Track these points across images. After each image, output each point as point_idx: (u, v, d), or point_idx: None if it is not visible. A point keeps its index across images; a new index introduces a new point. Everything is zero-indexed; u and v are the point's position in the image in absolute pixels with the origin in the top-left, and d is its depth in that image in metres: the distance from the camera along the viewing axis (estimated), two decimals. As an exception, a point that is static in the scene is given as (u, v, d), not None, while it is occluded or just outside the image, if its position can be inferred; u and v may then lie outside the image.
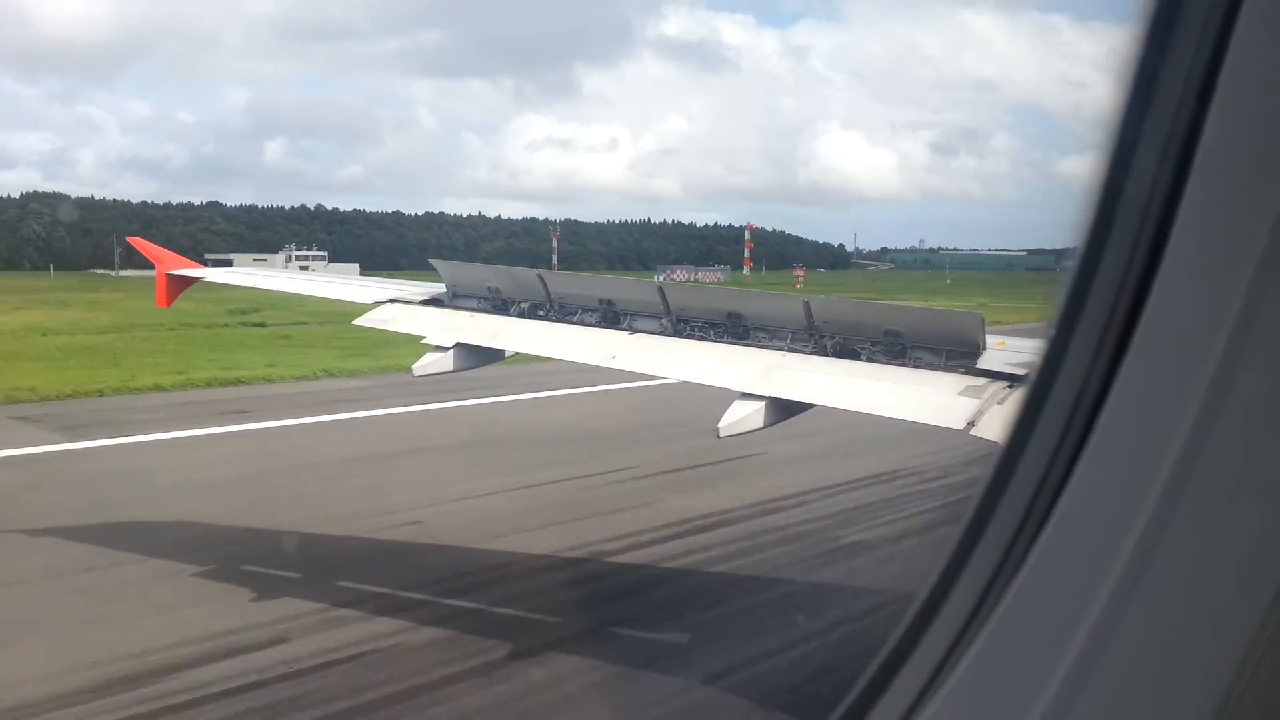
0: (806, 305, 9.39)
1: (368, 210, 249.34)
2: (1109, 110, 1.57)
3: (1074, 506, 1.54)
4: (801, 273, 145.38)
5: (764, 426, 8.74)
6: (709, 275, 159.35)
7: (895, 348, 8.86)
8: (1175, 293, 1.48)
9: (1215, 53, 1.42)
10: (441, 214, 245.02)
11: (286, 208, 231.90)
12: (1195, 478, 1.40)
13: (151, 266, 14.84)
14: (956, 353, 8.53)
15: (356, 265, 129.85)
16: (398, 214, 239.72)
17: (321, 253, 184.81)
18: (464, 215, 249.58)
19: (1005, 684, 1.56)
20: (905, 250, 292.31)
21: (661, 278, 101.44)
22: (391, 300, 12.40)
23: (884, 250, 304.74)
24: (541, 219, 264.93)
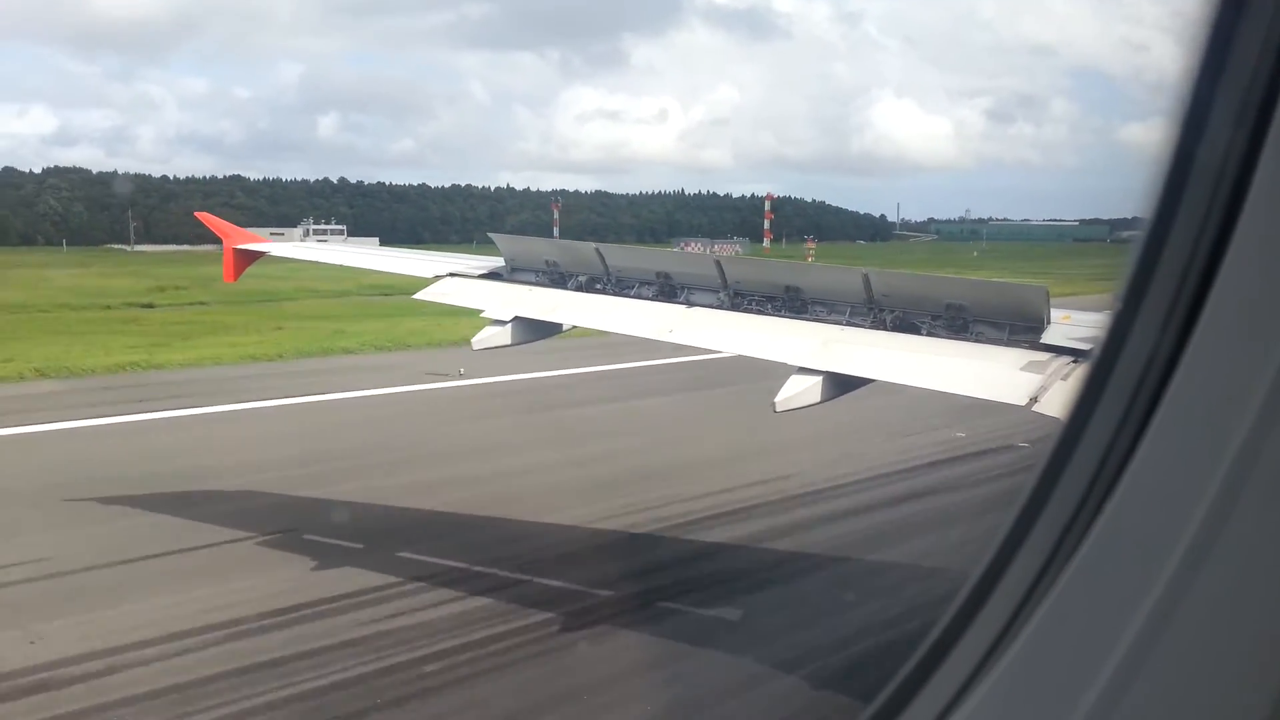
0: (866, 279, 9.26)
1: (413, 183, 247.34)
2: (1181, 74, 1.50)
3: (1136, 487, 1.49)
4: (813, 244, 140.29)
5: (821, 401, 8.67)
6: (726, 248, 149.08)
7: (957, 322, 8.70)
8: (1247, 265, 1.42)
9: None
10: (469, 186, 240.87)
11: (311, 180, 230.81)
12: (1262, 459, 1.34)
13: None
14: (1020, 327, 8.36)
15: (376, 239, 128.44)
16: (423, 186, 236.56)
17: (340, 226, 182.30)
18: (492, 188, 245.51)
19: (1056, 671, 1.52)
20: (953, 221, 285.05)
21: (677, 250, 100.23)
22: (451, 274, 12.51)
23: (930, 221, 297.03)
24: (590, 191, 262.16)
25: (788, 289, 9.82)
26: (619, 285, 11.15)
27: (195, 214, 16.38)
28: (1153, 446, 1.48)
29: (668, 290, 10.74)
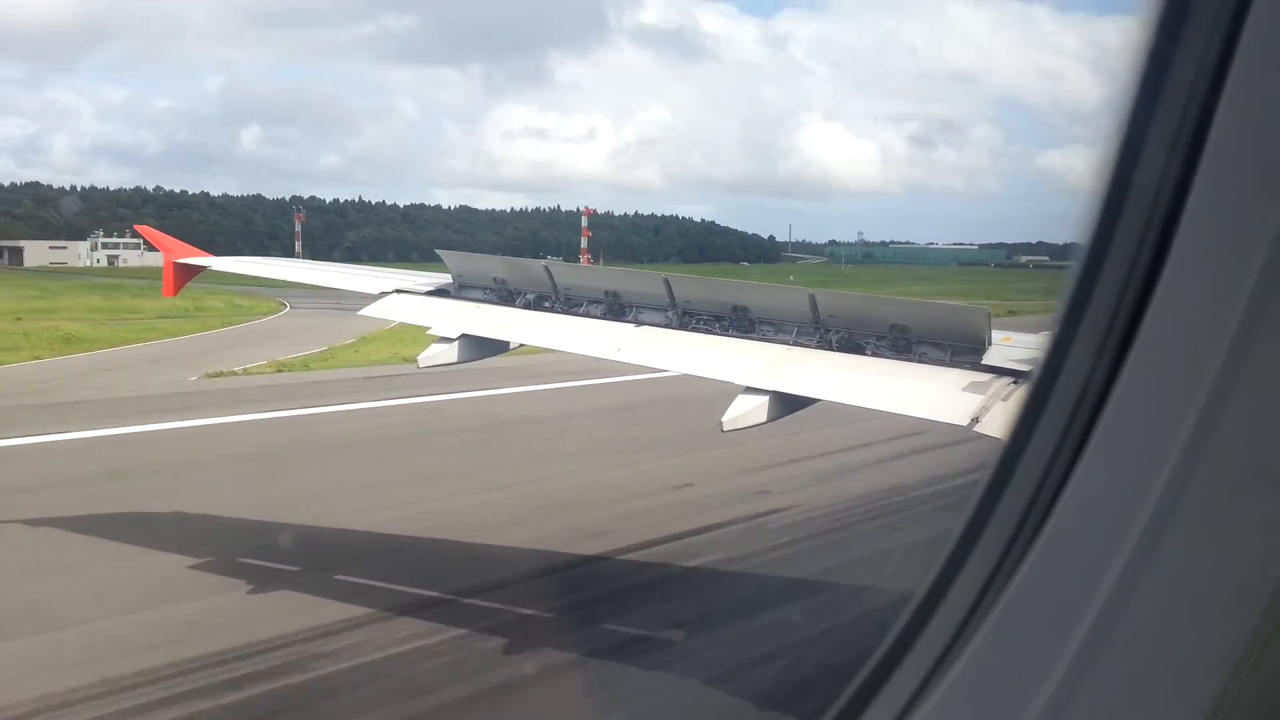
0: (812, 299, 9.36)
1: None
2: (1117, 102, 1.54)
3: (1074, 505, 1.52)
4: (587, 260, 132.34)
5: (768, 421, 8.72)
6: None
7: (901, 342, 8.83)
8: (1181, 290, 1.46)
9: (1226, 44, 1.39)
10: (312, 199, 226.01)
11: (150, 189, 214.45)
12: (1195, 478, 1.38)
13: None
14: (962, 348, 8.50)
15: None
16: (258, 197, 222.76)
17: (135, 240, 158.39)
18: (377, 202, 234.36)
19: (1003, 681, 1.55)
20: (850, 244, 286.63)
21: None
22: (398, 290, 12.38)
23: (830, 243, 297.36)
24: (520, 210, 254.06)
25: (735, 308, 9.89)
26: (567, 303, 11.13)
27: (135, 226, 16.05)
28: (1090, 465, 1.52)
29: (616, 309, 10.74)
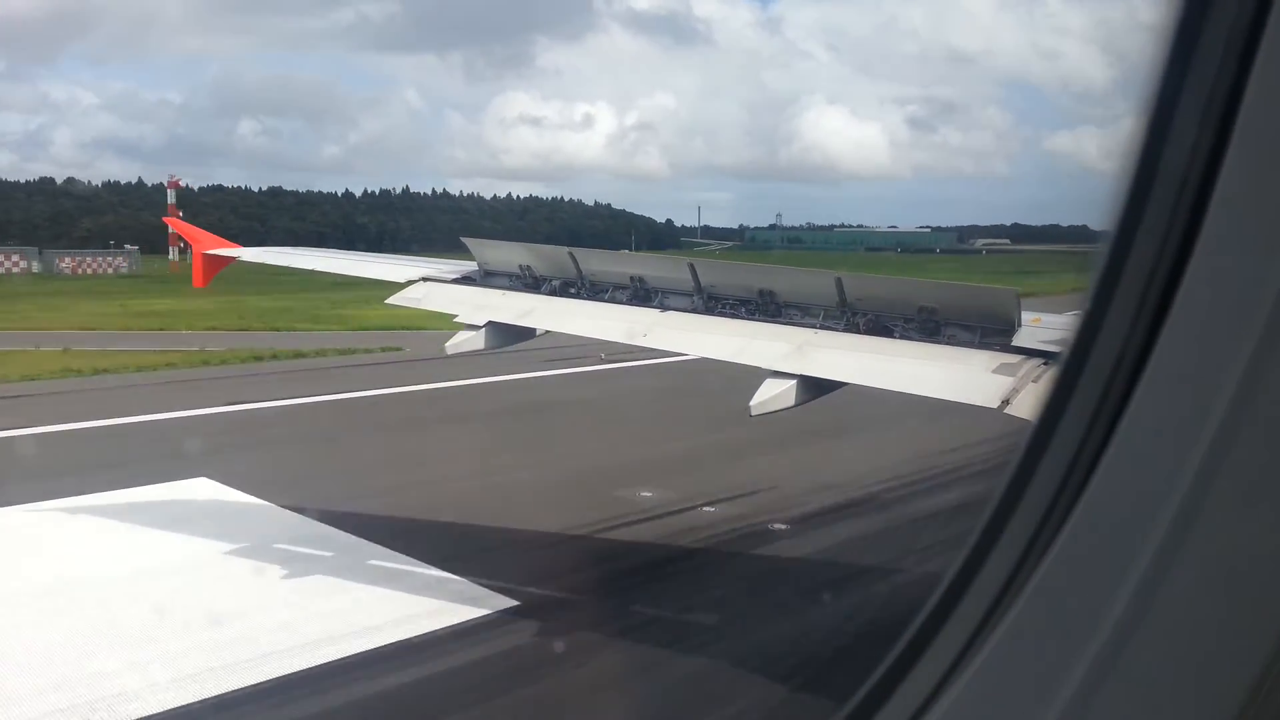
0: (839, 282, 9.30)
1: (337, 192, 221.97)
2: (1144, 79, 1.51)
3: (1106, 486, 1.50)
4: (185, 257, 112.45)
5: (795, 405, 8.69)
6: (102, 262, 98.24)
7: (929, 325, 8.76)
8: (1212, 269, 1.43)
9: (1257, 16, 1.36)
10: (311, 191, 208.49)
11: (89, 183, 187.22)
12: (1228, 463, 1.35)
13: None
14: (991, 330, 8.42)
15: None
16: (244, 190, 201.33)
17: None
18: (327, 192, 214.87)
19: (1027, 672, 1.53)
20: (767, 228, 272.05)
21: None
22: (424, 279, 12.44)
23: (742, 228, 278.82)
24: (522, 196, 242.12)
25: (761, 292, 9.85)
26: (593, 289, 11.13)
27: (164, 219, 16.26)
28: (1122, 446, 1.49)
29: (642, 294, 10.73)
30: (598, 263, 11.47)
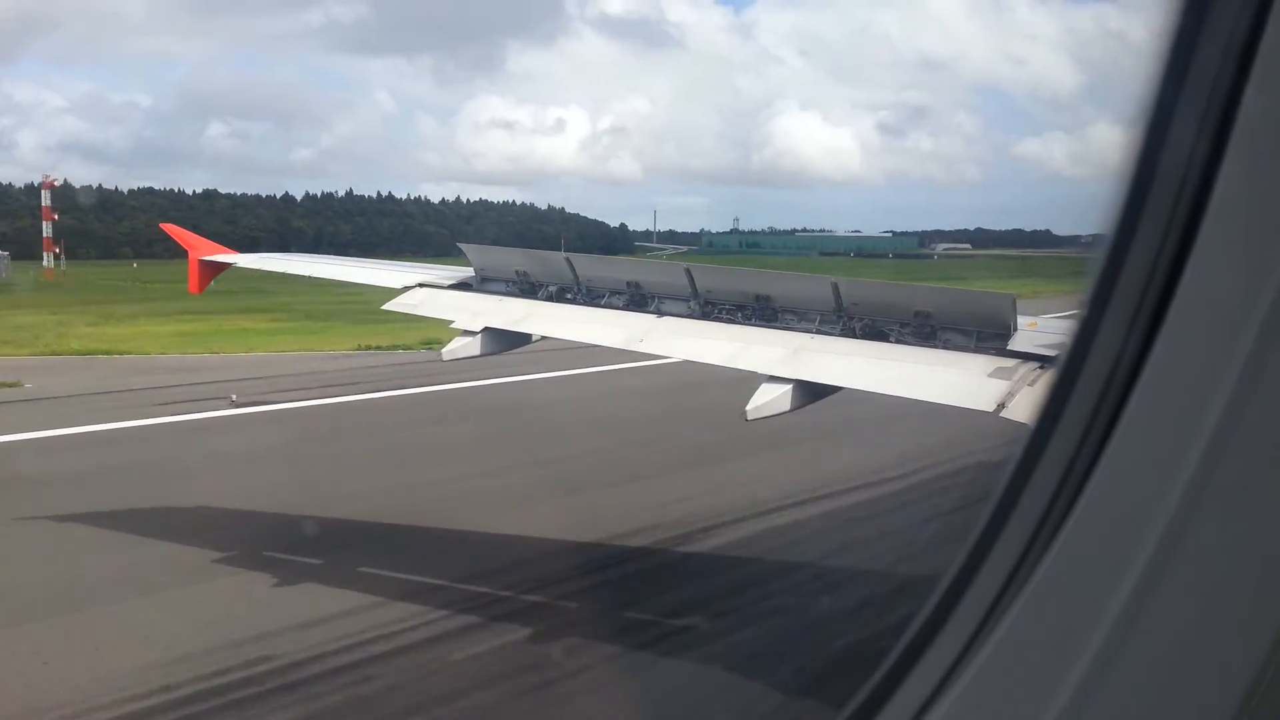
0: (835, 287, 9.33)
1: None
2: (1142, 82, 1.52)
3: (1103, 490, 1.50)
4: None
5: (791, 409, 8.71)
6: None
7: (925, 329, 8.78)
8: (1209, 273, 1.43)
9: (1255, 20, 1.36)
10: (245, 195, 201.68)
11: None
12: (1224, 466, 1.35)
13: None
14: (987, 334, 8.44)
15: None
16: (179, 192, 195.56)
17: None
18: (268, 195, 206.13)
19: (1026, 673, 1.53)
20: (726, 233, 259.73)
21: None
22: (420, 285, 12.44)
23: (703, 231, 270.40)
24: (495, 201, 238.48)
25: (758, 297, 9.87)
26: (589, 295, 11.14)
27: (161, 225, 16.19)
28: (1119, 450, 1.50)
29: (638, 299, 10.75)
30: (594, 268, 11.48)
